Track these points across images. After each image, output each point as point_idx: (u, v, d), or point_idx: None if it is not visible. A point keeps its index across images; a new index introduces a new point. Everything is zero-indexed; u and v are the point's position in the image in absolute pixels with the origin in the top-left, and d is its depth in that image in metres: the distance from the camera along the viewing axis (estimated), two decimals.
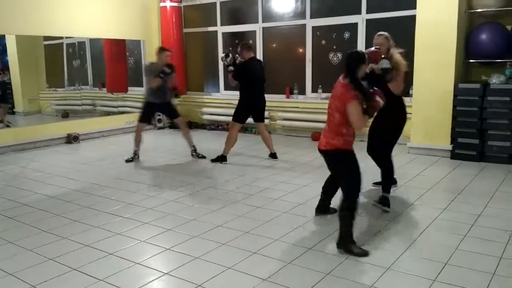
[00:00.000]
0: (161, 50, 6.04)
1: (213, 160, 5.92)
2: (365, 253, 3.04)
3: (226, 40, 8.71)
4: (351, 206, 3.12)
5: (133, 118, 8.42)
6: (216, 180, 5.08)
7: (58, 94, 9.28)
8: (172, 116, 6.33)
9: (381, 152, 4.11)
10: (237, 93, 5.73)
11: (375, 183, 4.55)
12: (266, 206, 4.12)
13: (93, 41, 9.05)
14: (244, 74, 5.63)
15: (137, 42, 8.99)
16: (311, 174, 5.26)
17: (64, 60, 9.54)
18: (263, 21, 8.09)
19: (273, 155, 6.04)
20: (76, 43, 8.98)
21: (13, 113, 9.21)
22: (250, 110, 5.81)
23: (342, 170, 3.30)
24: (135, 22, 8.54)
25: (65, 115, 8.98)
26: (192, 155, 6.25)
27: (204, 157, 6.15)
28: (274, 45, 8.31)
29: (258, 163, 5.90)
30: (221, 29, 8.66)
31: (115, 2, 8.14)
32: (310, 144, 7.15)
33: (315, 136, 7.32)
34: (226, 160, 5.90)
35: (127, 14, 8.37)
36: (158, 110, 6.36)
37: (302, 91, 7.83)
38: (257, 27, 8.16)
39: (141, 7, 8.59)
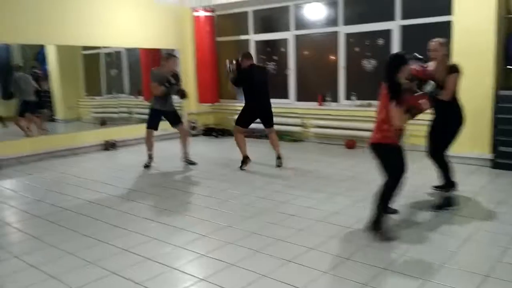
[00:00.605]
0: (169, 56, 6.16)
1: (241, 168, 5.99)
2: (390, 238, 3.34)
3: (258, 48, 8.78)
4: (388, 190, 3.39)
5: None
6: (249, 187, 5.10)
7: (96, 102, 9.56)
8: (175, 123, 6.39)
9: (440, 153, 4.28)
10: (272, 100, 5.91)
11: (436, 187, 4.55)
12: (299, 214, 4.11)
13: (129, 50, 9.31)
14: (243, 80, 5.83)
15: (171, 51, 9.17)
16: (344, 182, 5.21)
17: (101, 69, 9.86)
18: (295, 29, 8.11)
19: (278, 157, 6.06)
20: (113, 53, 9.26)
21: (53, 120, 9.59)
22: (251, 115, 5.97)
23: (383, 161, 3.47)
24: (169, 31, 8.73)
25: (103, 122, 9.25)
26: (184, 161, 6.41)
27: (194, 163, 6.32)
28: (306, 52, 8.31)
29: (290, 170, 5.89)
30: (253, 38, 8.74)
31: (151, 12, 8.36)
32: (343, 152, 7.09)
33: (349, 143, 7.26)
34: (249, 159, 6.02)
35: (162, 24, 8.58)
36: (164, 117, 6.37)
37: (335, 98, 7.79)
38: (289, 35, 8.19)
39: (175, 17, 8.79)
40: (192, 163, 6.33)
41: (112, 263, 3.16)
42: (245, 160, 6.01)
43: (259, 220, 3.99)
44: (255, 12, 8.60)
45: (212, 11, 8.49)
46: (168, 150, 7.35)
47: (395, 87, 3.31)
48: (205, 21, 8.49)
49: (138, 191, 5.08)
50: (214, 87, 8.74)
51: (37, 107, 8.25)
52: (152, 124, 6.19)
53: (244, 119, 5.99)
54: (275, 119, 8.12)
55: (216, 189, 5.08)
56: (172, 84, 5.96)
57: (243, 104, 6.00)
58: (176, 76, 6.03)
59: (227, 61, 5.95)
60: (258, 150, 7.40)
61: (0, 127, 8.31)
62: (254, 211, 4.24)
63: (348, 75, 7.66)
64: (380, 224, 3.43)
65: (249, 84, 5.82)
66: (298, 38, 8.15)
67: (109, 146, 7.74)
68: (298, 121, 8.06)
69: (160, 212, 4.30)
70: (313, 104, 7.98)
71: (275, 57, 8.61)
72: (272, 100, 8.17)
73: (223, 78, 9.13)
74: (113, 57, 9.60)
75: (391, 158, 3.44)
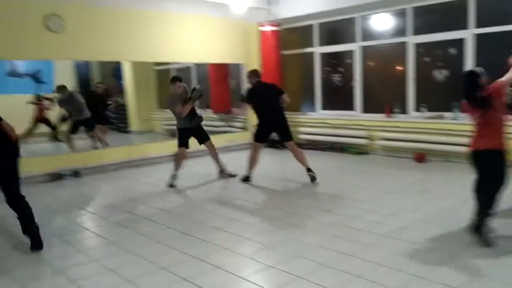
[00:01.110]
0: (173, 80, 6.13)
1: (242, 180, 6.09)
2: (490, 244, 3.40)
3: (323, 60, 8.77)
4: (491, 195, 3.42)
5: (234, 137, 8.82)
6: (314, 200, 5.09)
7: (167, 114, 10.00)
8: (203, 140, 6.43)
9: None
10: (335, 112, 5.81)
11: None
12: (367, 228, 4.03)
13: (198, 65, 9.70)
14: (250, 97, 5.95)
15: (238, 65, 9.42)
16: (413, 197, 5.03)
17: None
18: (362, 40, 8.01)
19: (309, 170, 5.92)
20: (183, 68, 9.67)
21: (128, 132, 10.18)
22: (264, 130, 6.00)
23: (488, 168, 3.51)
24: (236, 47, 8.98)
25: (173, 134, 9.66)
26: (220, 175, 6.46)
27: (234, 175, 6.36)
28: (373, 63, 8.17)
29: (356, 184, 5.80)
30: (318, 50, 8.75)
31: (218, 29, 8.65)
32: (412, 165, 6.85)
33: (418, 156, 7.00)
34: (249, 180, 6.03)
35: (230, 40, 8.84)
36: (192, 135, 6.34)
37: (404, 110, 7.56)
38: (355, 46, 8.10)
39: (242, 32, 9.03)
40: (232, 175, 6.38)
41: (183, 269, 3.29)
42: (247, 178, 6.05)
43: (325, 233, 3.96)
44: (321, 25, 8.62)
45: (278, 25, 8.62)
46: (239, 161, 7.51)
47: (481, 102, 3.37)
48: (271, 35, 8.64)
49: (208, 201, 5.24)
50: None
51: (98, 121, 8.72)
52: (183, 143, 6.21)
53: (258, 135, 6.04)
54: (340, 131, 8.16)
55: (281, 201, 5.12)
56: (193, 92, 6.05)
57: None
58: (193, 89, 6.12)
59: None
60: (323, 162, 7.36)
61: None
62: (319, 224, 4.22)
63: (418, 86, 7.41)
64: (483, 229, 3.45)
65: (256, 101, 5.91)
66: (364, 49, 8.04)
67: None
68: (363, 133, 7.91)
69: (228, 222, 4.41)
70: (380, 116, 7.80)
71: (340, 69, 8.55)
72: (337, 112, 8.11)
73: (287, 90, 9.20)
74: (183, 72, 10.03)
75: (497, 164, 3.44)
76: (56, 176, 6.63)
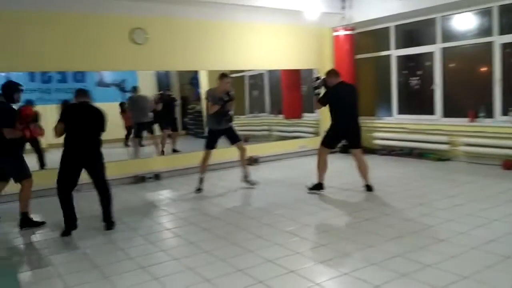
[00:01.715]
0: (222, 76, 6.09)
1: (310, 189, 5.74)
2: None
3: (400, 63, 8.48)
4: None
5: (306, 143, 8.80)
6: (392, 208, 4.91)
7: (239, 120, 10.24)
8: (234, 141, 6.33)
9: None
10: (413, 116, 5.49)
11: None
12: (451, 239, 3.82)
13: (271, 71, 9.82)
14: (330, 98, 5.55)
15: (310, 70, 9.40)
16: (502, 207, 4.68)
17: (245, 90, 10.57)
18: (442, 41, 7.63)
19: (368, 187, 5.60)
20: (256, 75, 9.85)
21: (204, 137, 10.54)
22: (338, 135, 5.66)
23: None
24: (309, 52, 8.97)
25: (246, 139, 9.87)
26: (245, 181, 6.34)
27: (254, 184, 6.24)
28: (455, 65, 7.75)
29: (437, 191, 5.52)
30: (394, 53, 8.48)
31: (291, 35, 8.71)
32: (499, 173, 6.39)
33: (507, 164, 6.51)
34: (322, 188, 5.70)
35: (303, 45, 8.86)
36: (221, 135, 6.31)
37: (490, 114, 7.07)
38: (435, 48, 7.74)
39: (315, 38, 9.01)
40: (253, 184, 6.30)
41: (259, 272, 3.34)
42: (318, 186, 5.71)
43: (404, 243, 3.81)
44: (397, 27, 8.35)
45: (352, 29, 8.48)
46: (309, 166, 7.49)
47: None
48: (344, 39, 8.52)
49: (280, 205, 5.27)
50: None
51: (164, 126, 9.09)
52: (210, 144, 6.22)
53: (328, 140, 5.67)
54: (419, 136, 7.83)
55: (357, 207, 5.01)
56: (226, 100, 6.01)
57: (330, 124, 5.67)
58: (229, 95, 6.04)
59: (314, 77, 5.75)
60: (400, 168, 7.10)
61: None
62: (398, 233, 4.07)
63: (506, 89, 6.90)
64: None
65: (335, 103, 5.52)
66: (445, 50, 7.65)
67: (252, 161, 8.20)
68: (444, 138, 7.52)
69: (301, 227, 4.40)
70: (462, 121, 7.37)
71: (418, 72, 8.21)
72: (415, 116, 7.82)
73: (361, 94, 8.99)
74: (256, 78, 10.23)
75: None
76: (139, 179, 7.04)
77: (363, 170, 5.64)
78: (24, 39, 6.15)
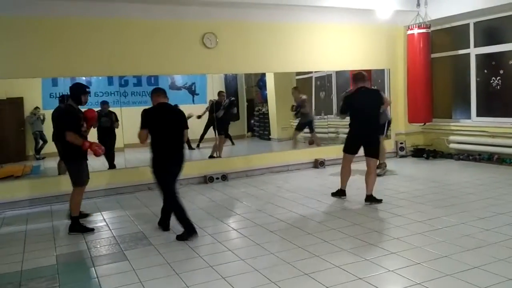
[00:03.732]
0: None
1: (332, 194, 5.82)
2: None
3: (479, 62, 7.95)
4: None
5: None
6: (469, 216, 4.61)
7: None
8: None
9: None
10: (493, 119, 5.08)
11: None
12: None
13: (338, 72, 9.64)
14: (346, 104, 5.54)
15: (381, 71, 9.10)
16: None
17: (312, 92, 10.46)
18: None
19: (368, 198, 5.35)
20: (325, 76, 9.72)
21: (269, 139, 10.62)
22: (353, 141, 5.51)
23: None
24: (380, 52, 8.69)
25: (311, 142, 9.77)
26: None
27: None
28: None
29: None
30: (474, 51, 7.96)
31: (362, 34, 8.49)
32: None
33: None
34: (344, 195, 5.69)
35: (373, 45, 8.60)
36: None
37: None
38: None
39: (387, 37, 8.71)
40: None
41: (325, 277, 3.28)
42: (340, 192, 5.70)
43: (482, 253, 3.56)
44: (477, 24, 7.84)
45: (428, 27, 8.08)
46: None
47: None
48: (419, 37, 8.12)
49: (347, 210, 5.16)
50: (427, 105, 8.25)
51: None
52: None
53: (347, 145, 5.60)
54: (500, 140, 7.31)
55: (428, 214, 4.76)
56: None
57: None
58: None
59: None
60: (477, 174, 6.66)
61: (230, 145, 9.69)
62: (475, 243, 3.82)
63: None
64: None
65: (350, 108, 5.47)
66: None
67: (319, 164, 8.11)
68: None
69: (369, 233, 4.27)
70: None
71: (500, 71, 7.64)
72: (496, 119, 7.33)
73: (436, 95, 8.57)
74: (323, 80, 10.08)
75: None
76: (208, 179, 7.23)
77: (369, 180, 5.41)
78: (103, 46, 6.56)
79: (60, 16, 6.26)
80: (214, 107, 8.74)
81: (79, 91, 4.89)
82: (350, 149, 5.59)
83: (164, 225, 4.73)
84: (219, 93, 9.05)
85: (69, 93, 4.95)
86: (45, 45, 6.22)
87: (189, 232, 4.34)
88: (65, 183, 6.42)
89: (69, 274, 3.71)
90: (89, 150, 4.77)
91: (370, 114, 5.40)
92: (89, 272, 3.71)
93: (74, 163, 4.85)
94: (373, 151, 5.43)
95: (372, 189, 5.40)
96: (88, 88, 5.06)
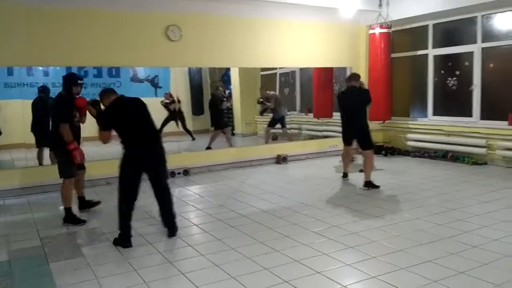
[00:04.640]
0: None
1: (342, 177, 6.53)
2: None
3: (437, 63, 8.24)
4: None
5: (336, 142, 8.67)
6: (424, 212, 4.78)
7: (270, 118, 10.22)
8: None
9: None
10: (448, 118, 5.32)
11: None
12: (484, 246, 3.69)
13: (302, 69, 9.74)
14: (338, 103, 6.44)
15: (343, 69, 9.26)
16: None
17: (276, 88, 10.53)
18: (482, 41, 7.36)
19: (367, 184, 5.94)
20: (289, 73, 9.80)
21: (233, 134, 10.60)
22: (347, 134, 6.27)
23: None
24: (343, 50, 8.84)
25: (275, 137, 9.84)
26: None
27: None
28: (495, 66, 7.45)
29: (471, 196, 5.34)
30: (432, 52, 8.24)
31: (326, 32, 8.58)
32: None
33: None
34: (346, 176, 6.49)
35: (336, 43, 8.73)
36: None
37: None
38: (475, 48, 7.47)
39: (350, 35, 8.86)
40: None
41: (285, 272, 3.31)
42: (344, 175, 6.53)
43: (436, 248, 3.71)
44: (436, 26, 8.11)
45: (389, 27, 8.29)
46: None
47: None
48: (380, 37, 8.32)
49: (307, 205, 5.23)
50: (387, 104, 8.47)
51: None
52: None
53: (343, 138, 6.42)
54: (455, 139, 7.63)
55: (386, 210, 4.91)
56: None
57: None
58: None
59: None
60: (433, 171, 6.91)
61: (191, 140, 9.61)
62: (429, 237, 3.96)
63: None
64: None
65: (339, 106, 6.39)
66: (485, 51, 7.38)
67: (281, 159, 8.17)
68: (481, 142, 7.26)
69: (328, 228, 4.35)
70: (502, 124, 7.09)
71: (456, 72, 7.95)
72: (451, 118, 7.64)
73: (395, 94, 8.82)
74: (288, 76, 10.17)
75: None
76: (169, 173, 7.12)
77: (367, 166, 6.03)
78: (63, 35, 6.33)
79: (17, 3, 5.98)
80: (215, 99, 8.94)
81: (70, 81, 4.76)
82: (345, 141, 6.40)
83: (169, 225, 4.28)
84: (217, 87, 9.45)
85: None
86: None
87: (122, 240, 4.01)
88: (19, 177, 6.23)
89: (22, 271, 3.59)
90: (74, 149, 4.62)
91: (354, 111, 6.05)
92: (43, 269, 3.59)
93: (62, 152, 4.67)
94: (363, 144, 6.06)
95: (369, 176, 5.94)
96: (81, 79, 4.87)
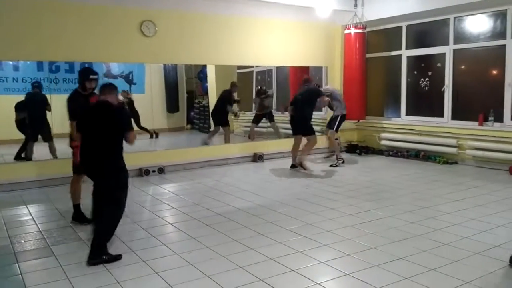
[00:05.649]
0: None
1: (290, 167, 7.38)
2: None
3: (410, 64, 8.39)
4: None
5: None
6: (396, 210, 4.87)
7: (246, 116, 10.22)
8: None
9: None
10: (421, 118, 5.46)
11: None
12: (454, 244, 3.78)
13: (279, 68, 9.76)
14: (293, 100, 7.55)
15: (319, 68, 9.33)
16: (508, 213, 4.63)
17: (253, 86, 10.52)
18: (454, 43, 7.54)
19: (293, 166, 7.27)
20: (265, 71, 9.80)
21: (209, 132, 10.53)
22: (292, 124, 7.50)
23: None
24: (319, 50, 8.90)
25: (250, 136, 9.84)
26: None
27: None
28: (466, 68, 7.65)
29: (442, 195, 5.46)
30: (405, 53, 8.39)
31: (302, 32, 8.62)
32: (507, 178, 6.32)
33: None
34: (294, 167, 7.30)
35: (312, 43, 8.78)
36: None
37: (499, 119, 6.98)
38: (447, 49, 7.64)
39: (326, 35, 8.93)
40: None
41: (260, 270, 3.32)
42: (291, 166, 7.34)
43: (407, 245, 3.78)
44: (409, 27, 8.26)
45: (364, 28, 8.39)
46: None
47: None
48: (355, 38, 8.43)
49: (283, 203, 5.24)
50: (362, 103, 8.60)
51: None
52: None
53: (292, 128, 7.57)
54: (426, 138, 7.84)
55: (359, 208, 4.97)
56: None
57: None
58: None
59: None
60: (406, 170, 7.04)
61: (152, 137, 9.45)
62: (401, 235, 4.03)
63: None
64: None
65: (294, 103, 7.41)
66: (456, 52, 7.56)
67: (257, 158, 8.18)
68: (452, 141, 7.45)
69: (303, 226, 4.38)
70: (472, 124, 7.29)
71: (428, 73, 8.12)
72: (423, 118, 7.84)
73: (370, 94, 8.94)
74: (264, 74, 10.17)
75: None
76: (143, 172, 7.03)
77: (305, 148, 7.27)
78: (34, 29, 6.15)
79: None
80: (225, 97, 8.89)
81: (81, 76, 4.47)
82: (292, 130, 7.52)
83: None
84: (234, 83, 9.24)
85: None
86: None
87: (111, 255, 3.63)
88: None
89: None
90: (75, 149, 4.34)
91: (299, 104, 7.21)
92: (12, 269, 3.48)
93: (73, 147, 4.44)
94: (305, 131, 7.27)
95: (304, 159, 7.15)
96: (95, 74, 4.47)
